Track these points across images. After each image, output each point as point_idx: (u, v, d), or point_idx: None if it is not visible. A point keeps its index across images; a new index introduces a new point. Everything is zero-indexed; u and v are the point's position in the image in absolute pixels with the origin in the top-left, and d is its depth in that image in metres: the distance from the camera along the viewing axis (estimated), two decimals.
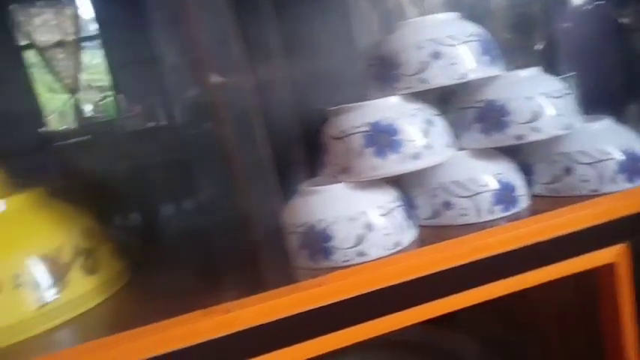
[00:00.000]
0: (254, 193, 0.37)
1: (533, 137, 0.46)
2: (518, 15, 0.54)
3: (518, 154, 0.50)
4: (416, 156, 0.43)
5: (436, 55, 0.44)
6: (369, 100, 0.45)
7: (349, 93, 0.49)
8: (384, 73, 0.46)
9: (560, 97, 0.47)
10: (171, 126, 0.69)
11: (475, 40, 0.45)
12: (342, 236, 0.42)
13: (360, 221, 0.43)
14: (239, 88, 0.36)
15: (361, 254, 0.43)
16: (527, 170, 0.50)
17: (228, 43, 0.34)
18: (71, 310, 0.43)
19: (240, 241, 0.39)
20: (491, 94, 0.47)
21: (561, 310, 0.56)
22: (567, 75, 0.49)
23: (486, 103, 0.47)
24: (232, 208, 0.38)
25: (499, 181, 0.46)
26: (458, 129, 0.49)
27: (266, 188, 0.38)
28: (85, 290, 0.44)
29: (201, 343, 0.36)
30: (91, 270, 0.45)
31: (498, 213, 0.46)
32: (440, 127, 0.46)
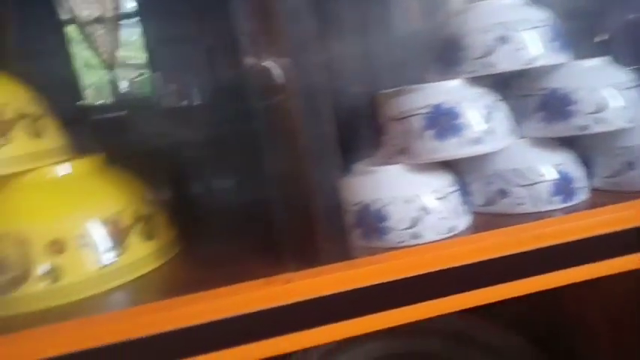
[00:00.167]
0: (317, 167, 0.38)
1: (598, 129, 0.45)
2: (587, 2, 0.52)
3: (579, 146, 0.49)
4: (476, 141, 0.43)
5: (503, 40, 0.43)
6: (428, 82, 0.45)
7: (407, 75, 0.49)
8: (447, 55, 0.46)
9: (628, 88, 0.46)
10: (217, 102, 0.70)
11: (544, 26, 0.44)
12: (398, 217, 0.42)
13: (416, 203, 0.43)
14: (309, 63, 0.36)
15: (415, 236, 0.43)
16: (587, 162, 0.49)
17: (304, 18, 0.35)
18: (129, 273, 0.44)
19: (299, 215, 0.39)
20: (556, 82, 0.46)
21: (614, 309, 0.55)
22: (637, 67, 0.48)
23: (550, 91, 0.46)
24: (292, 182, 0.39)
25: (559, 172, 0.46)
26: (518, 116, 0.48)
27: (328, 164, 0.38)
28: (142, 255, 0.45)
29: (260, 311, 0.37)
30: (148, 236, 0.46)
31: (556, 204, 0.46)
32: (502, 113, 0.45)
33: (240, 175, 0.65)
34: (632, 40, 0.52)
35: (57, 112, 0.50)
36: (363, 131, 0.44)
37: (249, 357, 0.38)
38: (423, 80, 0.46)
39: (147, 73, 1.07)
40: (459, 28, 0.46)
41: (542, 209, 0.45)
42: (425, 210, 0.43)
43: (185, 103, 0.95)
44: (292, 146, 0.37)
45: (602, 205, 0.45)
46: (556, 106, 0.46)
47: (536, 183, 0.45)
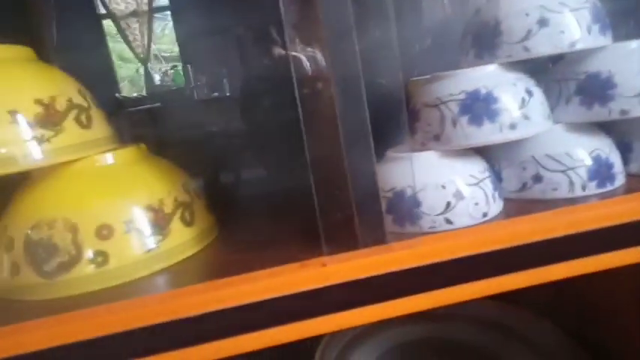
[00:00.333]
0: (352, 154, 0.38)
1: (639, 113, 0.44)
2: None
3: (616, 131, 0.48)
4: (511, 127, 0.43)
5: (543, 22, 0.42)
6: (463, 68, 0.45)
7: (442, 61, 0.49)
8: (483, 40, 0.45)
9: None
10: (253, 91, 0.71)
11: (585, 8, 0.43)
12: (431, 203, 0.43)
13: (449, 189, 0.43)
14: (348, 52, 0.36)
15: (448, 222, 0.43)
16: (624, 148, 0.48)
17: (342, 5, 0.35)
18: (171, 257, 0.46)
19: (334, 200, 0.40)
20: (596, 65, 0.45)
21: None
22: None
23: (590, 74, 0.45)
24: (328, 168, 0.40)
25: (595, 157, 0.45)
26: (553, 101, 0.47)
27: (364, 150, 0.39)
28: (183, 240, 0.47)
29: (296, 294, 0.39)
30: (188, 222, 0.48)
31: (592, 189, 0.45)
32: (538, 98, 0.45)
33: (277, 162, 0.66)
34: None
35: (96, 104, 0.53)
36: (398, 118, 0.45)
37: (285, 338, 0.40)
38: (458, 66, 0.46)
39: (181, 64, 1.09)
40: (496, 12, 0.45)
41: (577, 195, 0.45)
42: (458, 195, 0.43)
43: (220, 93, 0.97)
44: (329, 133, 0.38)
45: (639, 190, 0.44)
46: (596, 90, 0.45)
47: (571, 168, 0.45)
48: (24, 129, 0.42)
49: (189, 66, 1.21)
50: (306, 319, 0.39)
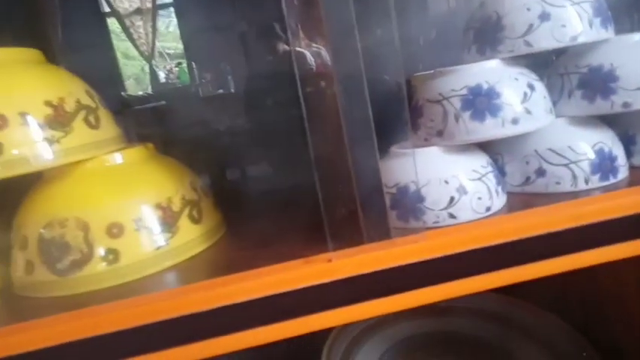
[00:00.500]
0: (356, 150, 0.39)
1: None
2: None
3: (618, 123, 0.48)
4: (515, 121, 0.43)
5: (545, 17, 0.42)
6: (464, 63, 0.45)
7: (444, 57, 0.49)
8: (485, 35, 0.45)
9: None
10: (257, 88, 0.72)
11: (586, 1, 0.43)
12: (435, 198, 0.43)
13: (452, 184, 0.44)
14: (350, 49, 0.37)
15: (452, 216, 0.44)
16: (627, 140, 0.48)
17: (345, 3, 0.36)
18: (180, 254, 0.47)
19: (338, 197, 0.41)
20: (598, 58, 0.45)
21: None
22: None
23: (592, 68, 0.45)
24: (332, 165, 0.40)
25: (598, 150, 0.45)
26: (556, 95, 0.48)
27: (367, 146, 0.39)
28: (191, 237, 0.48)
29: (302, 289, 0.39)
30: (196, 219, 0.49)
31: (595, 182, 0.45)
32: (541, 92, 0.45)
33: (282, 160, 0.67)
34: None
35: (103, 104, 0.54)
36: (400, 114, 0.45)
37: (293, 332, 0.40)
38: (460, 62, 0.46)
39: (186, 62, 1.10)
40: (497, 7, 0.45)
41: (580, 188, 0.45)
42: (461, 190, 0.43)
43: (225, 90, 0.98)
44: (332, 131, 0.39)
45: None
46: (598, 83, 0.45)
47: (574, 162, 0.45)
48: (34, 130, 0.43)
49: (193, 63, 1.21)
50: (312, 313, 0.40)
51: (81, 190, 0.46)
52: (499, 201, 0.45)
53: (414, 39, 0.59)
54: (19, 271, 0.46)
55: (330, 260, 0.39)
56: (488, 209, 0.44)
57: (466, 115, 0.43)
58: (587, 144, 0.45)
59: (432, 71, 0.46)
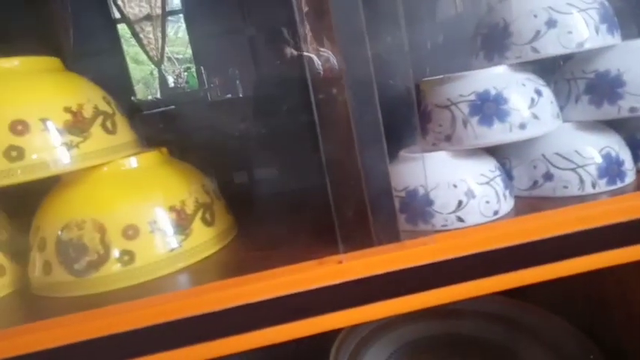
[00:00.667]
0: (366, 154, 0.40)
1: None
2: None
3: (625, 128, 0.49)
4: (522, 126, 0.44)
5: (551, 23, 0.43)
6: (472, 69, 0.46)
7: (452, 63, 0.50)
8: (493, 41, 0.46)
9: None
10: (268, 93, 0.73)
11: (593, 8, 0.44)
12: (443, 201, 0.44)
13: (461, 188, 0.44)
14: (361, 55, 0.38)
15: (460, 220, 0.44)
16: (635, 145, 0.48)
17: (355, 10, 0.37)
18: (193, 255, 0.48)
19: (349, 200, 0.42)
20: (605, 64, 0.45)
21: None
22: None
23: (599, 73, 0.46)
24: (343, 169, 0.41)
25: (605, 155, 0.46)
26: (563, 100, 0.48)
27: (377, 150, 0.40)
28: (204, 239, 0.49)
29: (313, 290, 0.40)
30: (209, 222, 0.50)
31: (602, 186, 0.46)
32: (548, 97, 0.45)
33: (291, 163, 0.68)
34: None
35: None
36: (409, 119, 0.46)
37: (303, 332, 0.41)
38: (468, 67, 0.47)
39: (194, 66, 1.12)
40: (504, 14, 0.46)
41: (588, 192, 0.46)
42: (470, 194, 0.44)
43: (234, 94, 0.99)
44: (343, 136, 0.40)
45: None
46: (605, 88, 0.46)
47: (582, 166, 0.46)
48: (54, 136, 0.45)
49: (202, 68, 1.23)
50: (323, 314, 0.41)
51: (98, 193, 0.47)
52: (507, 205, 0.46)
53: (422, 45, 0.59)
54: (37, 272, 0.47)
55: (340, 262, 0.40)
56: (495, 213, 0.45)
57: (474, 120, 0.44)
58: (594, 148, 0.46)
59: (441, 77, 0.47)
